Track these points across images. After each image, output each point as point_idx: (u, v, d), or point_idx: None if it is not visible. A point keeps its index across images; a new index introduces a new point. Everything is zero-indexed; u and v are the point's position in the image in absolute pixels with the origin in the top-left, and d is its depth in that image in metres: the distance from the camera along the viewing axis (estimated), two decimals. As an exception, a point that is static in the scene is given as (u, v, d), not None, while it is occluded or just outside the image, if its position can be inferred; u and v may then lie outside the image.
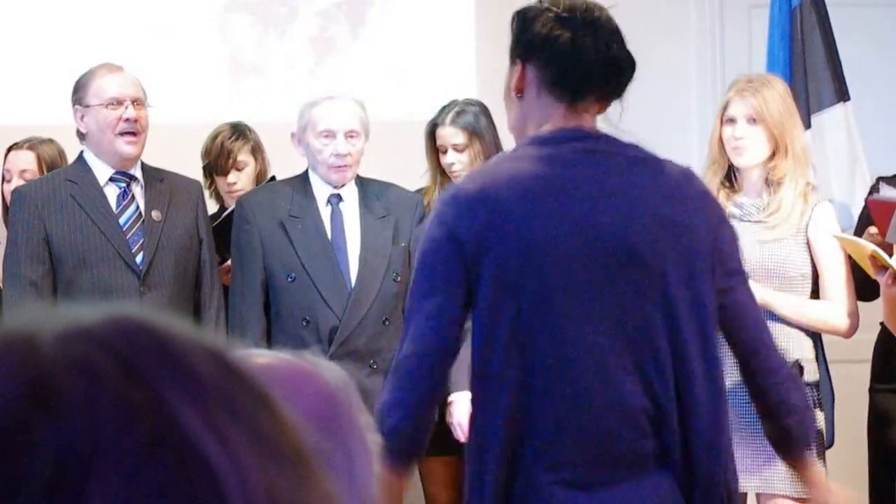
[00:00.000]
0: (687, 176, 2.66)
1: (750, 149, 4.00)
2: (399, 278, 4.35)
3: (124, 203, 4.25)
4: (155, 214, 4.24)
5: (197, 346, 0.70)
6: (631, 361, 2.56)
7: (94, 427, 0.63)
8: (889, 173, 4.64)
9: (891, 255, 3.28)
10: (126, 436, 0.64)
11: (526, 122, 2.67)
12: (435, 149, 4.78)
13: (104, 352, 0.67)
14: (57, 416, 0.63)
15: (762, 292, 3.86)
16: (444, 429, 4.37)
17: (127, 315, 0.71)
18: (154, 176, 4.33)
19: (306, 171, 4.35)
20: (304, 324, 4.24)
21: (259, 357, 1.30)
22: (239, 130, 5.03)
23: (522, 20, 2.66)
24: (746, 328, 2.71)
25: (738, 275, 2.70)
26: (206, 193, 5.07)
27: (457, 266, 2.56)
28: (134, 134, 4.23)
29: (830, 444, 4.06)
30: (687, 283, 2.60)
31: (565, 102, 2.61)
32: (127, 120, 4.21)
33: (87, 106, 4.24)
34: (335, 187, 4.27)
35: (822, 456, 3.97)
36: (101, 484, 0.62)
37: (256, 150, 5.03)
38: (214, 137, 5.04)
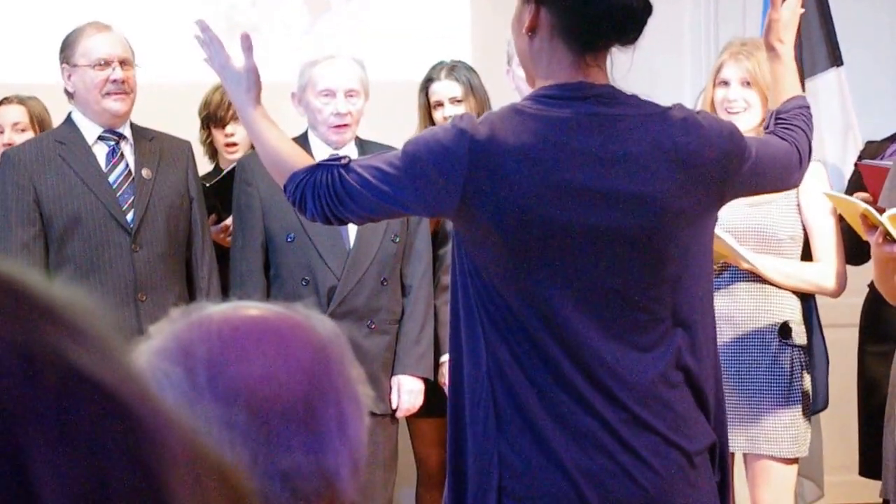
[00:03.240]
0: (687, 123, 2.60)
1: (743, 112, 4.01)
2: (398, 239, 4.38)
3: (113, 161, 4.24)
4: (145, 172, 4.24)
5: (49, 287, 0.70)
6: (631, 336, 2.57)
7: (3, 381, 0.63)
8: (881, 136, 4.66)
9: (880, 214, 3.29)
10: (37, 387, 0.64)
11: (534, 64, 2.64)
12: (428, 106, 4.79)
13: None
14: None
15: (750, 255, 3.89)
16: (435, 390, 4.40)
17: None
18: (143, 135, 4.33)
19: (305, 131, 4.36)
20: (304, 283, 4.27)
21: (251, 309, 1.31)
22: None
23: None
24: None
25: (751, 156, 2.70)
26: (202, 149, 5.09)
27: (444, 186, 2.53)
28: (122, 92, 4.22)
29: (825, 406, 4.09)
30: (688, 249, 2.59)
31: (575, 52, 2.57)
32: (114, 81, 4.20)
33: (75, 65, 4.23)
34: (335, 148, 4.28)
35: (808, 416, 4.00)
36: (39, 443, 0.63)
37: (242, 121, 5.04)
38: (214, 90, 5.06)
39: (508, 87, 4.03)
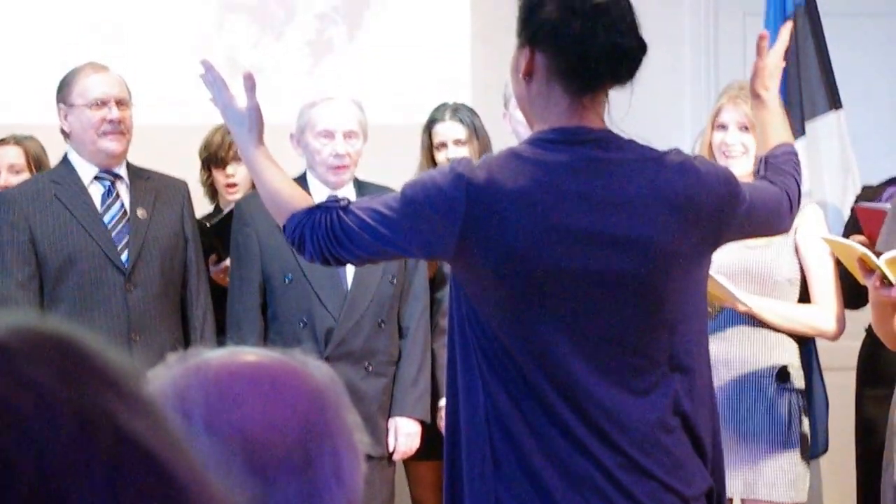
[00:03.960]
0: (685, 167, 2.62)
1: (741, 156, 4.02)
2: (395, 281, 4.37)
3: (109, 201, 4.25)
4: (140, 213, 4.25)
5: (113, 356, 0.72)
6: (628, 380, 2.57)
7: (59, 444, 0.64)
8: (879, 180, 4.67)
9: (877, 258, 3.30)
10: (90, 451, 0.65)
11: (532, 108, 2.65)
12: (430, 147, 4.80)
13: (43, 367, 0.68)
14: (18, 434, 0.64)
15: (747, 298, 3.89)
16: (432, 433, 4.39)
17: (40, 327, 0.71)
18: (139, 175, 4.34)
19: (304, 172, 4.36)
20: (301, 325, 4.26)
21: (248, 355, 1.32)
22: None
23: (528, 2, 2.61)
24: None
25: (746, 200, 2.71)
26: (202, 190, 5.10)
27: (442, 230, 2.54)
28: (118, 132, 4.23)
29: (825, 450, 4.08)
30: (684, 293, 2.60)
31: (571, 95, 2.58)
32: (111, 121, 4.22)
33: (72, 105, 4.24)
34: (333, 189, 4.28)
35: (807, 460, 4.00)
36: (87, 503, 0.64)
37: (243, 160, 5.05)
38: (215, 131, 5.07)
39: (508, 130, 4.05)
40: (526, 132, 3.87)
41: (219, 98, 2.96)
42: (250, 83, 2.90)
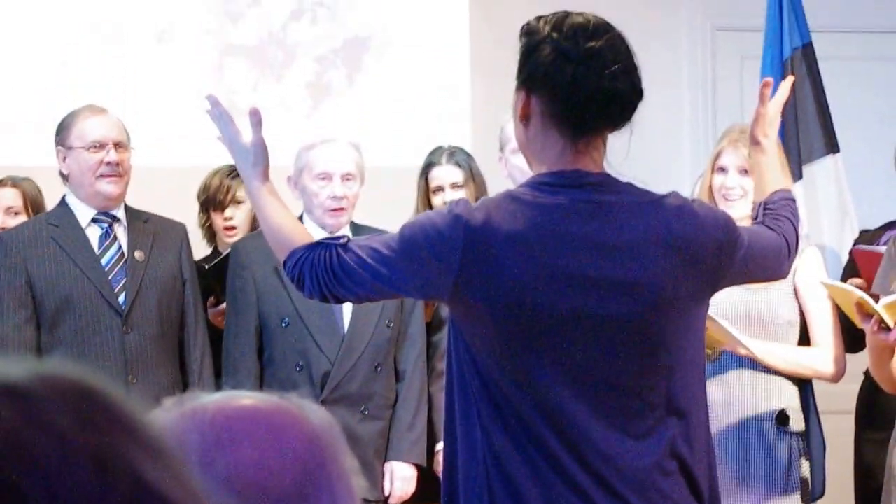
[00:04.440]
0: (683, 211, 2.62)
1: (740, 199, 4.03)
2: (391, 325, 4.37)
3: (106, 243, 4.26)
4: (138, 255, 4.25)
5: (131, 402, 0.72)
6: (625, 424, 2.56)
7: (75, 487, 0.65)
8: (876, 224, 4.68)
9: (876, 303, 3.31)
10: (107, 495, 0.65)
11: (530, 150, 2.65)
12: (427, 190, 4.80)
13: (62, 411, 0.68)
14: (38, 478, 0.65)
15: (747, 341, 3.88)
16: (429, 478, 4.38)
17: (61, 373, 0.72)
18: (137, 217, 4.34)
19: (301, 215, 4.36)
20: (298, 369, 4.24)
21: (245, 398, 1.32)
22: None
23: (526, 45, 2.61)
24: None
25: (744, 245, 2.71)
26: (200, 233, 5.11)
27: (439, 270, 2.55)
28: (115, 175, 4.24)
29: (822, 494, 4.07)
30: (681, 337, 2.60)
31: (567, 138, 2.58)
32: (108, 163, 4.22)
33: (70, 148, 4.25)
34: (330, 232, 4.28)
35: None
36: None
37: (247, 195, 5.07)
38: (214, 174, 5.08)
39: (505, 173, 4.06)
40: (521, 177, 3.88)
41: (225, 133, 2.98)
42: (256, 119, 2.92)
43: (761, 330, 3.97)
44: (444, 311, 4.46)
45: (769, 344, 3.95)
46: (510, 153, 3.99)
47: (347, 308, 4.28)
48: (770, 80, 3.11)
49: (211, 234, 5.18)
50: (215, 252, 5.10)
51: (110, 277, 4.20)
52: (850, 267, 4.42)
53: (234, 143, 2.95)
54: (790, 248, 2.89)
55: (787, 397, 3.98)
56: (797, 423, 3.98)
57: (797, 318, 4.03)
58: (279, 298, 4.23)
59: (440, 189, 4.76)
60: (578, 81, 2.53)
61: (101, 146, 4.23)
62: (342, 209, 4.29)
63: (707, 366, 3.83)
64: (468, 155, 4.86)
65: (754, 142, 3.09)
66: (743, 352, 3.89)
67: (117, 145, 4.26)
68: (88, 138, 4.23)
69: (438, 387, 4.35)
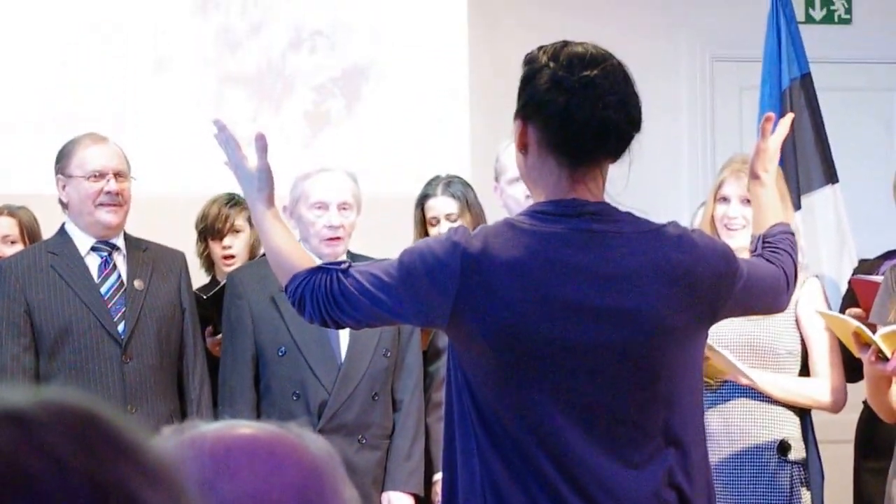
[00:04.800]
0: (683, 241, 2.61)
1: (742, 229, 4.03)
2: (389, 354, 4.35)
3: (105, 272, 4.24)
4: (137, 283, 4.24)
5: (132, 428, 0.72)
6: (623, 453, 2.55)
7: None
8: (875, 253, 4.68)
9: (874, 332, 3.31)
10: None
11: (529, 178, 2.65)
12: (423, 221, 4.80)
13: (62, 436, 0.68)
14: (35, 501, 0.64)
15: (750, 371, 3.88)
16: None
17: (62, 399, 0.72)
18: (136, 245, 4.33)
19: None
20: (294, 398, 4.23)
21: (243, 428, 1.31)
22: (236, 199, 5.09)
23: (525, 74, 2.62)
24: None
25: (743, 276, 2.70)
26: (198, 262, 5.10)
27: (437, 298, 2.55)
28: (115, 204, 4.24)
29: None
30: (680, 367, 2.59)
31: (564, 167, 2.57)
32: (108, 193, 4.21)
33: (70, 176, 4.23)
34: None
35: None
36: None
37: (252, 219, 5.08)
38: (212, 203, 5.08)
39: (500, 203, 4.06)
40: (517, 207, 3.90)
41: (231, 158, 2.99)
42: (262, 144, 2.94)
43: (762, 360, 3.97)
44: (441, 340, 4.46)
45: (770, 374, 3.95)
46: (506, 183, 3.99)
47: (344, 337, 4.27)
48: (772, 115, 3.12)
49: (209, 262, 5.18)
50: (213, 281, 5.09)
51: (110, 306, 4.19)
52: (849, 297, 4.42)
53: (239, 169, 2.96)
54: (789, 282, 2.88)
55: (788, 427, 3.98)
56: (798, 452, 3.97)
57: (798, 349, 4.03)
58: (275, 328, 4.22)
59: (436, 220, 4.76)
60: (572, 111, 2.53)
61: (101, 175, 4.22)
62: (338, 238, 4.28)
63: (708, 395, 3.84)
64: (465, 184, 4.84)
65: (754, 175, 3.09)
66: (745, 381, 3.89)
67: (118, 175, 4.25)
68: (89, 167, 4.22)
69: (435, 417, 4.34)
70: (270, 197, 2.92)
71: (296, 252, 2.84)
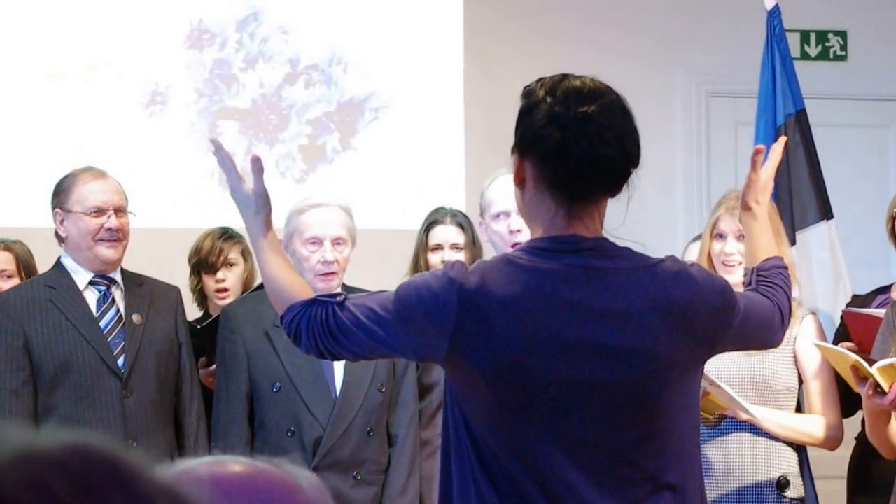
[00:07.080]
0: (680, 277, 2.59)
1: (739, 265, 4.02)
2: (384, 389, 4.33)
3: (104, 306, 4.23)
4: (135, 318, 4.22)
5: (150, 476, 0.70)
6: (619, 491, 2.53)
7: None
8: (869, 289, 4.67)
9: (871, 366, 3.29)
10: None
11: (526, 213, 2.63)
12: (426, 247, 4.78)
13: (60, 474, 0.67)
14: None
15: (748, 406, 3.87)
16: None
17: (85, 441, 0.70)
18: (133, 280, 4.32)
19: (292, 276, 4.33)
20: (289, 434, 4.20)
21: (235, 465, 1.29)
22: (229, 232, 5.07)
23: (522, 108, 2.59)
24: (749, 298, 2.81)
25: (741, 312, 2.69)
26: (191, 296, 5.08)
27: (434, 333, 2.52)
28: (115, 240, 4.22)
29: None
30: (677, 403, 2.57)
31: (560, 202, 2.55)
32: (109, 229, 4.20)
33: (69, 211, 4.22)
34: (321, 296, 4.24)
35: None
36: None
37: (246, 252, 5.07)
38: (205, 237, 5.07)
39: (486, 238, 4.06)
40: (501, 242, 3.90)
41: (228, 179, 2.96)
42: (258, 166, 2.91)
43: (760, 395, 3.96)
44: (428, 377, 4.45)
45: (769, 410, 3.95)
46: (490, 219, 3.99)
47: (339, 372, 4.25)
48: (762, 147, 3.10)
49: (202, 296, 5.16)
50: (206, 315, 5.07)
51: (109, 340, 4.17)
52: (842, 330, 4.42)
53: (236, 191, 2.93)
54: (783, 319, 2.87)
55: (787, 463, 3.97)
56: (797, 489, 3.97)
57: (796, 385, 4.03)
58: (270, 363, 4.20)
59: (439, 247, 4.75)
60: (567, 146, 2.50)
61: (101, 212, 4.20)
62: (333, 273, 4.27)
63: (707, 430, 3.83)
64: (469, 220, 4.84)
65: (745, 207, 3.08)
66: (744, 416, 3.88)
67: (118, 210, 4.23)
68: (89, 203, 4.20)
69: (424, 455, 4.33)
70: (268, 220, 2.89)
71: (292, 282, 2.81)
